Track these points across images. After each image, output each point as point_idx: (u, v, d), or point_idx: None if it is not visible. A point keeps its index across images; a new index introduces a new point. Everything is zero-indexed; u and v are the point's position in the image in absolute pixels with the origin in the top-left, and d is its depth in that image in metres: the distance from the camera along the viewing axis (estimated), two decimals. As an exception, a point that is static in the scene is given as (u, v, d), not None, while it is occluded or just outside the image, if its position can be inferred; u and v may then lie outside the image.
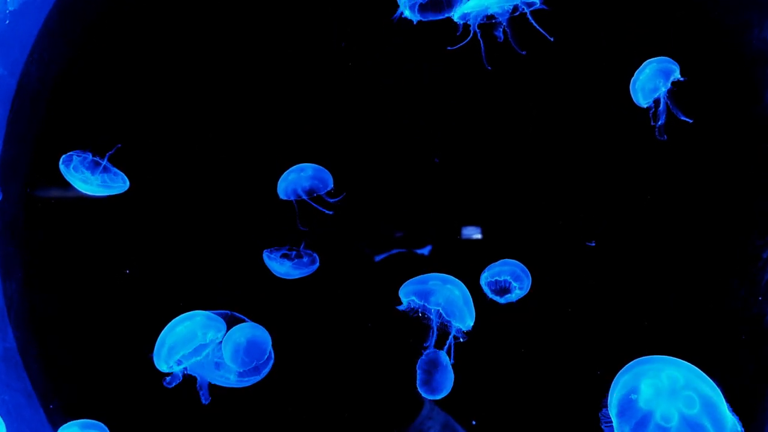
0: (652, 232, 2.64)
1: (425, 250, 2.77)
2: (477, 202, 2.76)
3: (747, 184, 2.59)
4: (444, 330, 2.35)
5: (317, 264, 2.69)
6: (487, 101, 2.69)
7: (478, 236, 2.72)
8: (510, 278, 2.53)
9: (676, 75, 2.33)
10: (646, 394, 1.81)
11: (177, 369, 2.38)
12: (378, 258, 2.80)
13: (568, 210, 2.67)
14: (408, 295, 2.34)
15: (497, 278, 2.54)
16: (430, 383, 2.33)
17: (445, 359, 2.35)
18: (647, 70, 2.37)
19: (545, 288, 2.61)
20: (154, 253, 2.78)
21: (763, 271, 2.58)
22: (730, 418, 1.79)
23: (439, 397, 2.36)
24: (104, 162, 2.54)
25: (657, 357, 1.89)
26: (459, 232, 2.75)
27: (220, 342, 2.49)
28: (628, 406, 1.82)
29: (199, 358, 2.41)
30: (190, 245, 2.77)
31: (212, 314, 2.45)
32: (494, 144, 2.74)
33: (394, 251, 2.79)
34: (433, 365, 2.33)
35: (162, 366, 2.35)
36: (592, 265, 2.63)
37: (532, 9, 2.26)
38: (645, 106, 2.40)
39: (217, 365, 2.49)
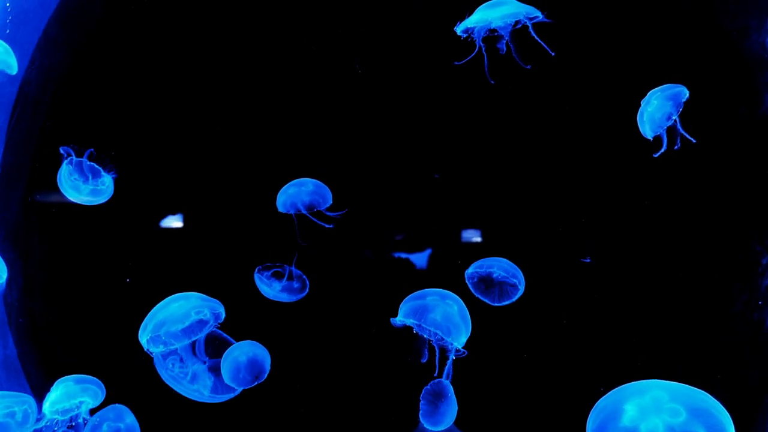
0: (653, 238, 2.64)
1: (424, 254, 2.78)
2: (477, 210, 2.76)
3: (747, 189, 2.60)
4: (441, 346, 2.35)
5: (306, 291, 2.69)
6: (489, 113, 2.70)
7: (478, 239, 2.73)
8: (497, 270, 2.53)
9: (685, 97, 2.31)
10: (631, 413, 1.83)
11: (157, 349, 2.36)
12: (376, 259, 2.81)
13: (567, 217, 2.68)
14: (406, 311, 2.34)
15: (479, 270, 2.53)
16: (434, 415, 2.31)
17: (450, 390, 2.33)
18: (654, 102, 2.35)
19: (545, 297, 2.62)
20: (153, 262, 2.78)
21: (764, 277, 2.58)
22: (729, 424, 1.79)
23: (441, 428, 2.34)
24: (83, 159, 2.52)
25: (640, 382, 1.91)
26: (459, 237, 2.76)
27: (192, 352, 2.48)
28: (611, 426, 1.84)
29: (186, 342, 2.39)
30: (189, 255, 2.77)
31: (208, 297, 2.42)
32: (495, 153, 2.75)
33: (394, 254, 2.80)
34: (438, 396, 2.31)
35: (143, 339, 2.33)
36: (593, 272, 2.64)
37: (533, 21, 2.27)
38: (652, 136, 2.39)
39: (193, 378, 2.48)
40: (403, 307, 2.35)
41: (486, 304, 2.47)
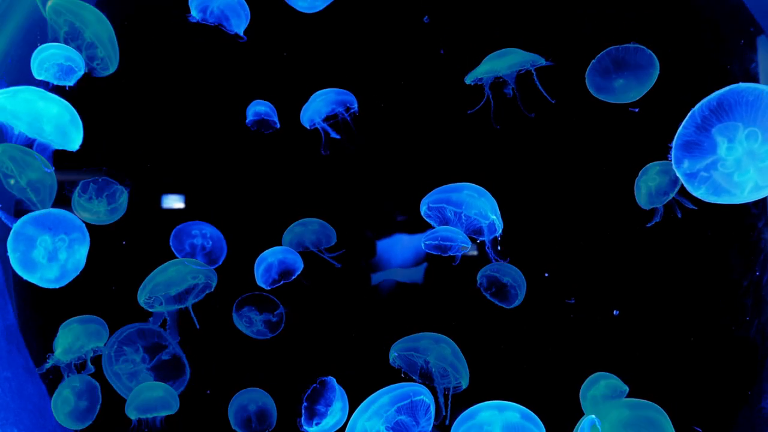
0: (641, 258, 2.70)
1: (420, 269, 2.83)
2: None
3: (729, 217, 2.63)
4: (434, 386, 2.40)
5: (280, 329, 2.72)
6: (492, 156, 2.74)
7: (474, 253, 2.74)
8: (500, 276, 2.58)
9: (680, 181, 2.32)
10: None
11: (156, 308, 2.46)
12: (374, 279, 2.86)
13: (564, 241, 2.74)
14: (399, 354, 2.39)
15: (488, 274, 2.59)
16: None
17: None
18: (656, 178, 2.37)
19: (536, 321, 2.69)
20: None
21: (746, 297, 2.61)
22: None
23: None
24: (96, 180, 2.54)
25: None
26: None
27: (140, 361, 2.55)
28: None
29: (181, 306, 2.48)
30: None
31: (204, 264, 2.51)
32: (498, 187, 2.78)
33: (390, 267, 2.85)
34: None
35: (141, 299, 2.42)
36: (581, 292, 2.70)
37: (536, 67, 2.33)
38: (649, 208, 2.43)
39: (133, 375, 2.53)
40: (397, 347, 2.42)
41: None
